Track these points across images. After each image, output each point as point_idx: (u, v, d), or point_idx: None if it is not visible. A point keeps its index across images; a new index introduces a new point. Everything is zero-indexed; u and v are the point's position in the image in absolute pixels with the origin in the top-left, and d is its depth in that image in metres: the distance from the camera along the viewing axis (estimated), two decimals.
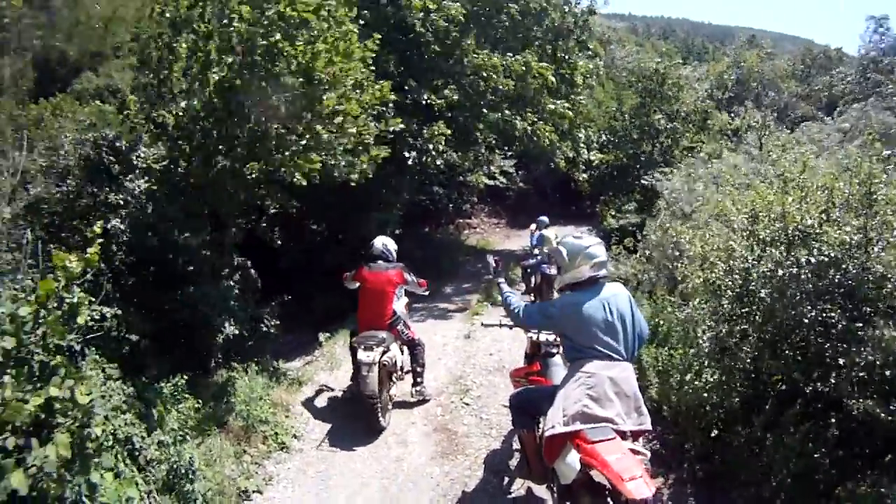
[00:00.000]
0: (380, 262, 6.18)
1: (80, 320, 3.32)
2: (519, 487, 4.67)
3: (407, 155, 12.25)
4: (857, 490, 3.34)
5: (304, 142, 6.42)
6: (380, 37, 7.77)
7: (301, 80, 6.07)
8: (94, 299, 3.55)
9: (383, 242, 6.36)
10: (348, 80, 6.70)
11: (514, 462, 5.00)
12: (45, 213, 6.49)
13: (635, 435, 3.33)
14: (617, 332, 3.40)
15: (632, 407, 3.29)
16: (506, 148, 19.94)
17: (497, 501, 4.59)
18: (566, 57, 15.68)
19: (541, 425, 3.90)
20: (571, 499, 3.38)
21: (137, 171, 6.57)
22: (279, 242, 8.53)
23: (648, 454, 3.43)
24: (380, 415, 5.61)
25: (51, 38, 11.36)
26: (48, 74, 12.69)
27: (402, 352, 6.25)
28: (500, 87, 13.18)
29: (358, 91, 7.08)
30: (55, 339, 3.20)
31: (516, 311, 3.85)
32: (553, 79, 13.94)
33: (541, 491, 4.39)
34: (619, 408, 3.23)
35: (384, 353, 5.65)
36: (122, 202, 6.23)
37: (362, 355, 5.49)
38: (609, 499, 3.08)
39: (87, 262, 3.39)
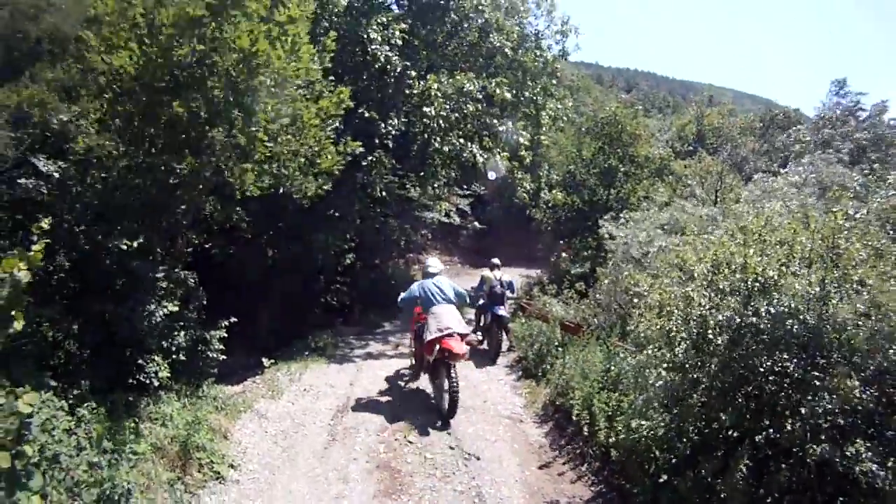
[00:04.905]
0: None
1: (17, 326, 3.13)
2: (412, 386, 8.07)
3: (357, 178, 12.22)
4: None
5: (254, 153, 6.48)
6: (336, 35, 8.12)
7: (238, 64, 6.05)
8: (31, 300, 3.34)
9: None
10: (296, 80, 6.77)
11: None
12: None
13: (464, 337, 6.95)
14: (444, 291, 7.38)
15: (459, 323, 6.99)
16: (464, 187, 20.01)
17: None
18: (534, 98, 15.83)
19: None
20: (433, 370, 7.15)
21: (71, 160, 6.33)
22: (230, 253, 8.50)
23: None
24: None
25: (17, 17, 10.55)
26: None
27: None
28: (450, 112, 13.08)
29: (312, 94, 7.17)
30: None
31: (400, 303, 7.69)
32: (508, 95, 13.86)
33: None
34: (454, 323, 6.91)
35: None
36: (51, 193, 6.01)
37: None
38: (447, 364, 6.70)
39: (30, 262, 3.19)
